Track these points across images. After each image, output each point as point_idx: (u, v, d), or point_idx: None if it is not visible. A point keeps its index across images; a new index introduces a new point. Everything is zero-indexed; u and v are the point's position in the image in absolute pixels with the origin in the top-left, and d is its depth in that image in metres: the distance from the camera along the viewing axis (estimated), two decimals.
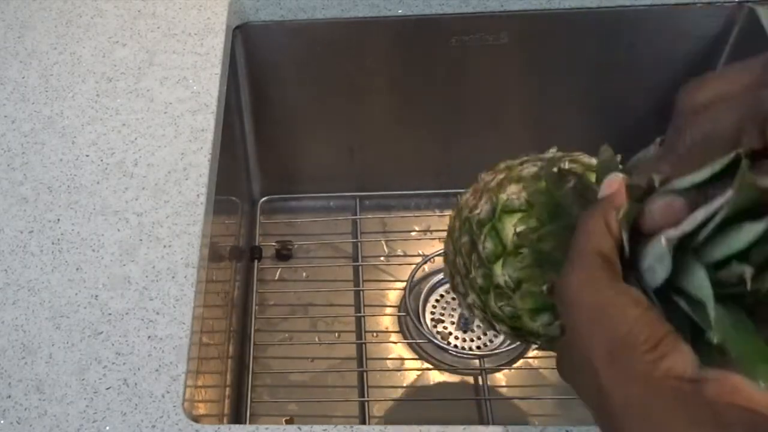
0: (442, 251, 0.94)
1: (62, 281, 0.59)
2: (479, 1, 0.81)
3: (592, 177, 0.38)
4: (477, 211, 0.46)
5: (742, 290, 0.28)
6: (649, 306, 0.30)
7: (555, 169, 0.40)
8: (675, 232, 0.29)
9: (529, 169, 0.45)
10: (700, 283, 0.29)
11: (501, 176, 0.47)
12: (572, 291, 0.32)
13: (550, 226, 0.39)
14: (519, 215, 0.43)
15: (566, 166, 0.42)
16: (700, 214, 0.29)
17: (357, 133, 0.97)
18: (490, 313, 0.47)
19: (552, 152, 0.46)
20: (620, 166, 0.35)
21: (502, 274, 0.44)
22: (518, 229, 0.42)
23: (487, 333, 0.89)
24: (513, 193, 0.44)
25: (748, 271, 0.27)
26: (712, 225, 0.28)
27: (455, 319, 0.91)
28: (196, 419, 0.52)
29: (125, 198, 0.64)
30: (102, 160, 0.66)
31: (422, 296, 0.93)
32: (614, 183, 0.33)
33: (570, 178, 0.38)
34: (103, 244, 0.61)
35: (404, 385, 0.87)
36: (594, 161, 0.43)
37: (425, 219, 1.01)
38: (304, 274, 0.97)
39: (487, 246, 0.45)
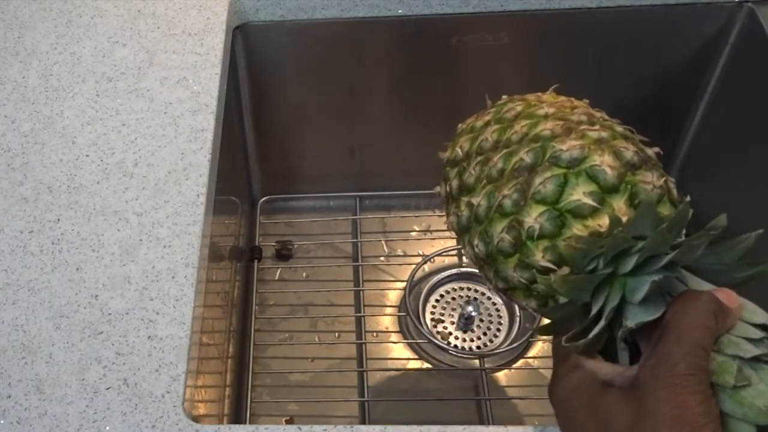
0: (442, 251, 0.95)
1: (62, 281, 0.59)
2: (479, 1, 0.81)
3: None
4: (562, 147, 0.42)
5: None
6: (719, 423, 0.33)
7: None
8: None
9: (629, 153, 0.42)
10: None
11: (603, 132, 0.43)
12: (673, 368, 0.34)
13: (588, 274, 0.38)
14: (595, 188, 0.40)
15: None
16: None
17: (357, 133, 0.97)
18: (482, 231, 0.44)
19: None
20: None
21: (535, 220, 0.41)
22: (585, 223, 0.40)
23: (487, 333, 0.89)
24: (608, 165, 0.41)
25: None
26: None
27: (455, 319, 0.91)
28: (196, 419, 0.52)
29: (125, 198, 0.64)
30: (102, 160, 0.66)
31: (422, 296, 0.93)
32: (735, 300, 0.36)
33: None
34: (103, 244, 0.61)
35: (404, 385, 0.87)
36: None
37: (425, 219, 1.01)
38: (304, 274, 0.97)
39: (546, 187, 0.41)
